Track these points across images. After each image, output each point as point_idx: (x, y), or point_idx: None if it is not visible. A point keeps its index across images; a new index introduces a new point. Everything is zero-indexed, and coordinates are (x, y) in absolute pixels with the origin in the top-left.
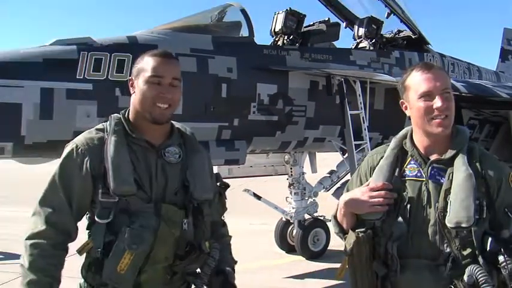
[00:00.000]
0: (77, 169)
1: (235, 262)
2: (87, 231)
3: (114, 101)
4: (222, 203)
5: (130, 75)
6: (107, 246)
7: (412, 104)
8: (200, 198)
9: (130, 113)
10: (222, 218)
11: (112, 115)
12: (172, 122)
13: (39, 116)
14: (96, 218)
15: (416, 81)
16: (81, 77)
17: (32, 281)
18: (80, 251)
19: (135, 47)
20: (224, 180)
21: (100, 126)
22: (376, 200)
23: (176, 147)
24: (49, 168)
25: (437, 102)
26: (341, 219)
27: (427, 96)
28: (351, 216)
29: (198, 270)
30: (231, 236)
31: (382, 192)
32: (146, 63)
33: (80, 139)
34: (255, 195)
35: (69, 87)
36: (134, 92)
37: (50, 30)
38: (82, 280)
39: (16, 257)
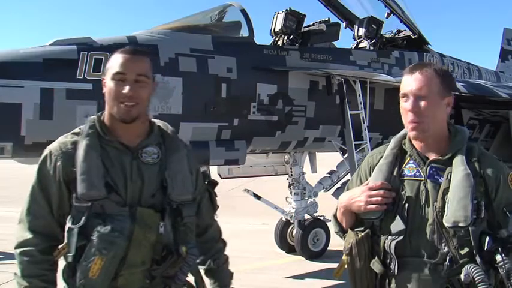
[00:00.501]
0: (51, 175)
1: (232, 275)
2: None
3: None
4: (213, 201)
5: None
6: (80, 250)
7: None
8: (178, 200)
9: (105, 114)
10: (215, 217)
11: (88, 117)
12: (153, 120)
13: (39, 116)
14: (67, 223)
15: (402, 83)
16: (81, 77)
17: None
18: (56, 255)
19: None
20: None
21: (76, 129)
22: (374, 199)
23: (154, 147)
24: None
25: (407, 105)
26: (340, 218)
27: (405, 97)
28: (350, 216)
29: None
30: (226, 256)
31: (381, 191)
32: (113, 61)
33: (54, 145)
34: (255, 195)
35: (69, 87)
36: (105, 91)
37: (50, 30)
38: (64, 284)
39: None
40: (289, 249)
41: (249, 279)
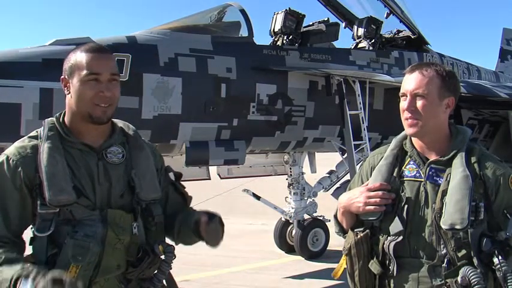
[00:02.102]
0: (9, 182)
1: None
2: (30, 246)
3: None
4: (180, 193)
5: (130, 75)
6: (51, 259)
7: None
8: (147, 199)
9: (65, 115)
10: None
11: (45, 120)
12: (113, 120)
13: (38, 116)
14: (35, 232)
15: (402, 82)
16: None
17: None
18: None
19: (134, 47)
20: (176, 171)
21: (33, 133)
22: (372, 200)
23: (119, 147)
24: None
25: (404, 103)
26: (341, 218)
27: (403, 96)
28: (350, 216)
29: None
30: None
31: (379, 192)
32: (80, 60)
33: (10, 150)
34: (254, 195)
35: None
36: (69, 92)
37: (50, 30)
38: None
39: None
40: (289, 249)
41: (248, 279)
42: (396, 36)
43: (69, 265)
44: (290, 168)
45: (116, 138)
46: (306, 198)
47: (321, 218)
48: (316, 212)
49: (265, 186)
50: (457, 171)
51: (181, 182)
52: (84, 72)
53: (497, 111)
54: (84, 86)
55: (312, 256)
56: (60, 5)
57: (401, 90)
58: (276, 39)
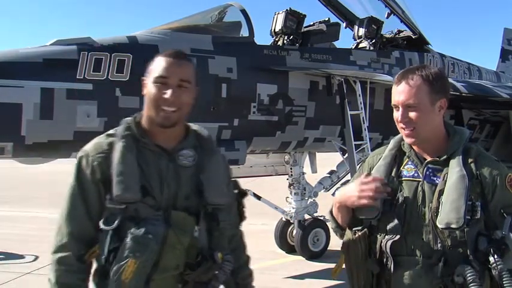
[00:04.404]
0: (88, 177)
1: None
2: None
3: (114, 101)
4: (240, 212)
5: (130, 75)
6: (112, 253)
7: None
8: (214, 203)
9: (143, 116)
10: (240, 229)
11: (124, 119)
12: (188, 124)
13: (39, 116)
14: (101, 224)
15: (392, 93)
16: (81, 77)
17: None
18: (87, 258)
19: (135, 47)
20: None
21: (112, 131)
22: (366, 193)
23: (190, 150)
24: (48, 168)
25: (398, 115)
26: (336, 214)
27: (395, 107)
28: (346, 211)
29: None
30: (251, 271)
31: (373, 185)
32: (156, 64)
33: (89, 146)
34: (255, 195)
35: (69, 87)
36: (145, 94)
37: (49, 30)
38: None
39: (16, 257)
40: (289, 249)
41: None
42: (397, 36)
43: (127, 259)
44: (291, 168)
45: (188, 142)
46: (306, 198)
47: (322, 218)
48: (316, 212)
49: (266, 186)
50: (454, 171)
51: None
52: (155, 74)
53: (498, 112)
54: (152, 88)
55: (312, 256)
56: (60, 5)
57: (392, 102)
58: (276, 39)
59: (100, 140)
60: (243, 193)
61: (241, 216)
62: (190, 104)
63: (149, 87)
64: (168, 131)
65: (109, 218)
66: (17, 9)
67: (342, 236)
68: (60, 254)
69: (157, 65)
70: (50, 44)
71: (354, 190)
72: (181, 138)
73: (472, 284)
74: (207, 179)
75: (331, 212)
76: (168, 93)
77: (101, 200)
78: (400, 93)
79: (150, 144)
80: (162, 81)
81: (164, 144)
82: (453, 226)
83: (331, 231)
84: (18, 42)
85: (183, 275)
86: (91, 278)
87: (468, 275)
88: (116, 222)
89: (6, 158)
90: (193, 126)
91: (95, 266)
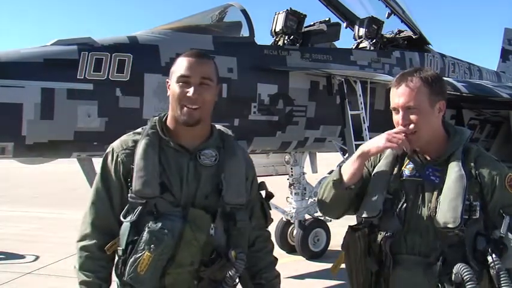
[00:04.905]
0: (112, 172)
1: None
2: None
3: (114, 101)
4: (265, 213)
5: (131, 76)
6: (130, 246)
7: None
8: (231, 202)
9: (168, 115)
10: (267, 230)
11: (152, 117)
12: (213, 124)
13: (39, 116)
14: (121, 217)
15: (390, 96)
16: (82, 77)
17: (83, 282)
18: (107, 249)
19: (135, 47)
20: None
21: (139, 129)
22: (395, 139)
23: (213, 150)
24: (48, 168)
25: (398, 118)
26: (348, 168)
27: (395, 110)
28: (358, 168)
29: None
30: (277, 272)
31: (401, 134)
32: (178, 64)
33: (116, 142)
34: None
35: (70, 87)
36: (169, 94)
37: (49, 30)
38: (117, 280)
39: (16, 256)
40: (290, 250)
41: None
42: (397, 36)
43: (143, 252)
44: (291, 168)
45: (211, 142)
46: (307, 198)
47: (322, 218)
48: (317, 212)
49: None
50: (453, 170)
51: (270, 203)
52: (177, 74)
53: (498, 112)
54: (175, 88)
55: (313, 256)
56: (60, 5)
57: (392, 105)
58: (277, 39)
59: (126, 137)
60: (269, 195)
61: (266, 218)
62: (213, 101)
63: (172, 87)
64: (192, 130)
65: (129, 211)
66: (17, 9)
67: (335, 196)
68: (83, 243)
69: (179, 65)
70: (51, 44)
71: (382, 137)
72: (205, 138)
73: (468, 283)
74: (227, 179)
75: (339, 166)
76: (190, 92)
77: (123, 194)
78: (400, 95)
79: (172, 143)
80: (184, 80)
81: (187, 144)
82: (450, 225)
83: (331, 231)
84: (18, 42)
85: (198, 271)
86: (113, 269)
87: (465, 274)
88: (135, 215)
89: (7, 158)
90: (218, 126)
91: (116, 258)
